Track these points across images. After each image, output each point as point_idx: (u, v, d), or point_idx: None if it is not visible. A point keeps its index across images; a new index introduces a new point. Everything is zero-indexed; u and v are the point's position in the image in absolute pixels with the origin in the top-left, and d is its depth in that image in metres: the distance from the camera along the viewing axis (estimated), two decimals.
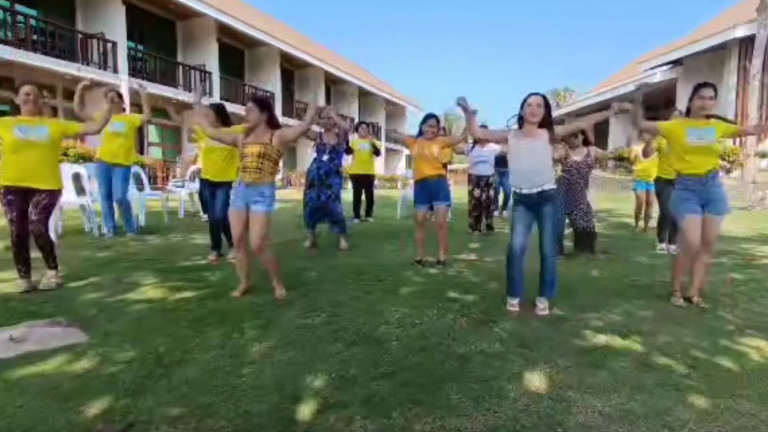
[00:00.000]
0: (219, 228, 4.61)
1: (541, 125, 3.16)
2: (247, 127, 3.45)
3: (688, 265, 3.49)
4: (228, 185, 4.56)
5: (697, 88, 3.39)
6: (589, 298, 3.55)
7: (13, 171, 3.45)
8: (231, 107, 16.68)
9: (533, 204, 3.16)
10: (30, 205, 3.48)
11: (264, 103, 3.42)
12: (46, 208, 3.54)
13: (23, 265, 3.51)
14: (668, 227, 5.51)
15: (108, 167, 5.63)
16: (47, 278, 3.58)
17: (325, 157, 5.28)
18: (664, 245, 5.60)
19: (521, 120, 3.23)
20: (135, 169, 7.65)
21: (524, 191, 3.16)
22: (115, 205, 5.79)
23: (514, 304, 3.25)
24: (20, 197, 3.47)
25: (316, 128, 5.19)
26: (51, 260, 3.62)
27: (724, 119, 3.76)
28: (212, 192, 4.62)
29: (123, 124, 5.61)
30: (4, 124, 3.50)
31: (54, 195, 3.62)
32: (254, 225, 3.29)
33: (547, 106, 3.16)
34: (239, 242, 3.43)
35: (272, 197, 3.37)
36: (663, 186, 5.53)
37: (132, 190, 6.80)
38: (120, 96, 5.72)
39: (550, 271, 3.16)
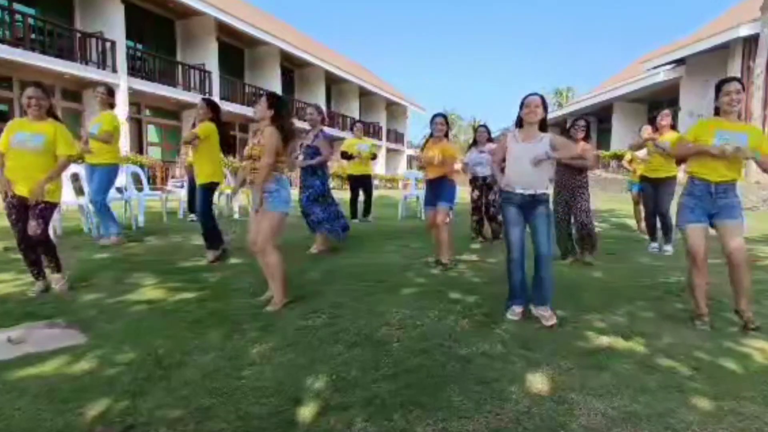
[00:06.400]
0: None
1: (540, 127, 3.16)
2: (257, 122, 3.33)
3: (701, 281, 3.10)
4: None
5: (721, 84, 3.04)
6: (591, 300, 3.53)
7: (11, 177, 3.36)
8: (231, 107, 16.72)
9: (524, 205, 3.11)
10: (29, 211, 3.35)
11: (273, 100, 3.29)
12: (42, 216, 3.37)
13: (33, 266, 3.46)
14: (656, 225, 5.56)
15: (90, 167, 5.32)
16: (55, 283, 3.51)
17: (301, 157, 5.13)
18: (655, 245, 5.61)
19: (520, 120, 3.21)
20: (134, 169, 7.65)
21: (518, 190, 3.11)
22: (92, 206, 5.45)
23: (517, 312, 3.11)
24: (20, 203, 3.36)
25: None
26: (54, 264, 3.51)
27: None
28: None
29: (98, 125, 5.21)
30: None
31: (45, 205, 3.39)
32: (259, 222, 3.24)
33: (545, 107, 3.15)
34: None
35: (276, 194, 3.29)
36: (648, 185, 5.53)
37: (131, 190, 6.79)
38: (111, 93, 5.42)
39: (548, 272, 3.04)
